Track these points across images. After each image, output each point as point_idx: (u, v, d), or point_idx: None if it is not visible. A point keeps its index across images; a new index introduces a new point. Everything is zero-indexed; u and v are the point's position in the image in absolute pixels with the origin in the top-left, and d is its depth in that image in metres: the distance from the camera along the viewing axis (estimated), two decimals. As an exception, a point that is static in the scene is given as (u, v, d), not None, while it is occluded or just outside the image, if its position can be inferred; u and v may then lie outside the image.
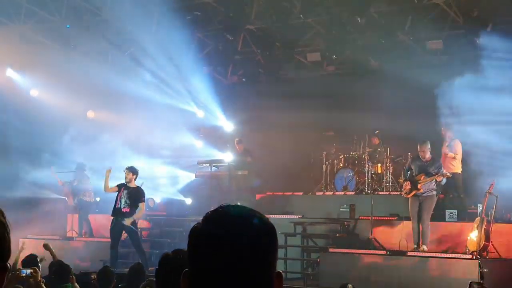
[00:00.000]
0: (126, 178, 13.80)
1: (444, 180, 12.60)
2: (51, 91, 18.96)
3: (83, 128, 18.88)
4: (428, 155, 12.62)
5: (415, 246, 12.47)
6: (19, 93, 18.74)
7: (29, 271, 7.15)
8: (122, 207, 13.56)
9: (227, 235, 1.76)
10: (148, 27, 17.37)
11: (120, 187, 13.77)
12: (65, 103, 18.71)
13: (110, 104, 19.35)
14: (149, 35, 17.43)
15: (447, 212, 13.65)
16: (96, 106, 19.97)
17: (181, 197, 18.66)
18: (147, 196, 17.18)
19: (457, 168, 14.12)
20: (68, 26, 18.09)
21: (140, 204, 13.73)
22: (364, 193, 15.76)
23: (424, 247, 12.36)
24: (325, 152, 17.18)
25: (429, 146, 12.68)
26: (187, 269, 1.80)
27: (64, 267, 8.49)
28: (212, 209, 1.85)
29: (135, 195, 13.66)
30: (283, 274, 9.00)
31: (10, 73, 18.93)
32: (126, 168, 13.92)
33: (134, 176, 13.88)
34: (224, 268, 1.74)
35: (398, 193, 14.68)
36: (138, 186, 14.05)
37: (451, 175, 12.83)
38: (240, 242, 1.76)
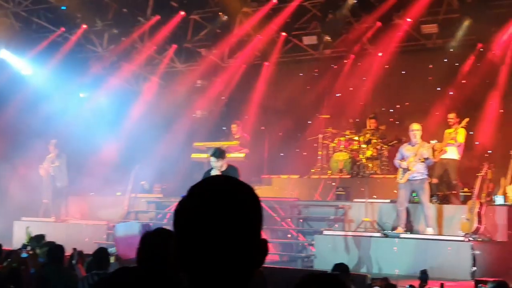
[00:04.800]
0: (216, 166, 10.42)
1: (430, 161, 12.64)
2: (46, 72, 18.98)
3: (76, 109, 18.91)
4: (417, 137, 12.66)
5: (399, 228, 12.62)
6: (13, 74, 18.75)
7: (28, 253, 7.27)
8: None
9: (211, 205, 1.80)
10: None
11: None
12: (60, 84, 18.76)
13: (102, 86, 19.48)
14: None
15: (440, 194, 13.76)
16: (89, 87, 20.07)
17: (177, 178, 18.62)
18: (143, 179, 17.26)
19: (455, 154, 14.30)
20: (63, 7, 18.04)
21: None
22: (359, 176, 15.82)
23: (430, 230, 12.44)
24: (321, 135, 17.21)
25: (420, 128, 12.72)
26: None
27: (59, 250, 8.55)
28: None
29: None
30: (278, 256, 9.06)
31: (4, 54, 18.88)
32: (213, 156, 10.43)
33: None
34: (209, 237, 1.78)
35: (393, 176, 14.75)
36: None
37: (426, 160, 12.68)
38: (223, 211, 1.79)
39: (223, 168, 10.28)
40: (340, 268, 6.94)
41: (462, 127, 14.08)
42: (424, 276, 6.86)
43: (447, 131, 14.57)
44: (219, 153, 10.24)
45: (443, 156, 14.26)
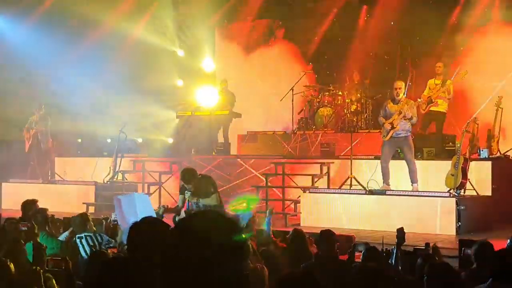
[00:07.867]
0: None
1: (414, 120, 12.64)
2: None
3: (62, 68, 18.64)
4: (401, 94, 12.65)
5: (384, 184, 12.70)
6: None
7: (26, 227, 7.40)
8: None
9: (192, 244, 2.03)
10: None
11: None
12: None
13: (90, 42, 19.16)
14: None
15: (425, 150, 13.79)
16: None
17: (162, 137, 18.65)
18: (129, 137, 17.19)
19: (444, 107, 14.32)
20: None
21: None
22: (344, 131, 15.83)
23: (416, 185, 12.52)
24: (304, 91, 17.15)
25: (403, 86, 12.70)
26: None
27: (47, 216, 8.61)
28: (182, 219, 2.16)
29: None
30: (271, 214, 9.12)
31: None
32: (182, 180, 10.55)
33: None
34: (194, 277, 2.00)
35: (378, 131, 14.77)
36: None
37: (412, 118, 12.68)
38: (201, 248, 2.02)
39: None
40: (325, 234, 7.00)
41: (456, 79, 14.08)
42: (400, 234, 6.92)
43: (433, 81, 14.47)
44: (187, 178, 10.18)
45: (433, 108, 14.26)
